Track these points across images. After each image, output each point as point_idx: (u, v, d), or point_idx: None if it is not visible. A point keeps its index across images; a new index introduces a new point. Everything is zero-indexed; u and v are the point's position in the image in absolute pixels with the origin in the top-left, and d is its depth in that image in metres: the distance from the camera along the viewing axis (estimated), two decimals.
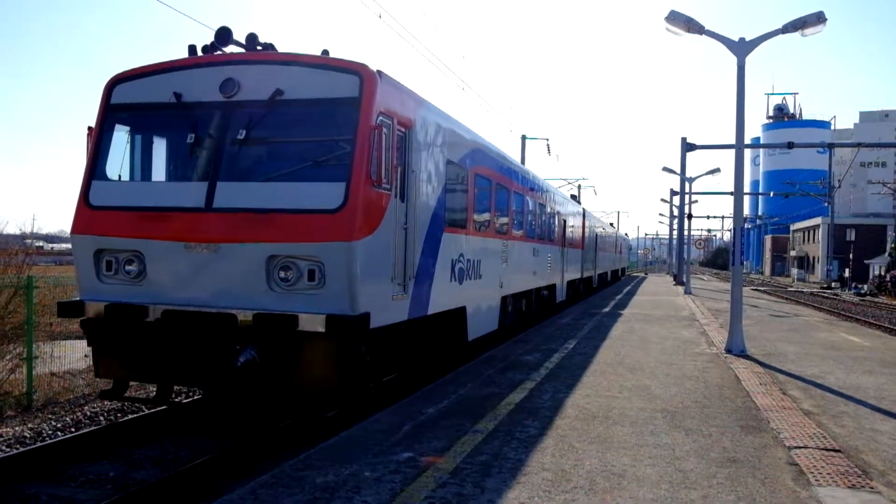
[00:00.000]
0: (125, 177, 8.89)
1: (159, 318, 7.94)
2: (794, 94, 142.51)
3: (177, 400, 10.39)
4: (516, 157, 24.03)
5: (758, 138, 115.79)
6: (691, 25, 13.90)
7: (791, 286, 63.87)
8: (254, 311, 7.63)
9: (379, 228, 8.08)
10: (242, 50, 8.77)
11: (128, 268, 8.25)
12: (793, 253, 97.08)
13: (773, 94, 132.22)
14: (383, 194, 8.20)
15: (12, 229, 15.80)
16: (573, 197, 34.20)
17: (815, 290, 56.59)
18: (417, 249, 9.32)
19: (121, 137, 8.89)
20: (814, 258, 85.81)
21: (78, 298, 8.48)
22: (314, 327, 7.47)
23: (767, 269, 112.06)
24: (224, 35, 8.59)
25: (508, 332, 15.69)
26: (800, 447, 6.89)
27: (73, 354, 13.74)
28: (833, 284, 61.90)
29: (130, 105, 8.75)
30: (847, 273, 63.92)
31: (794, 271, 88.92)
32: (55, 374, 12.81)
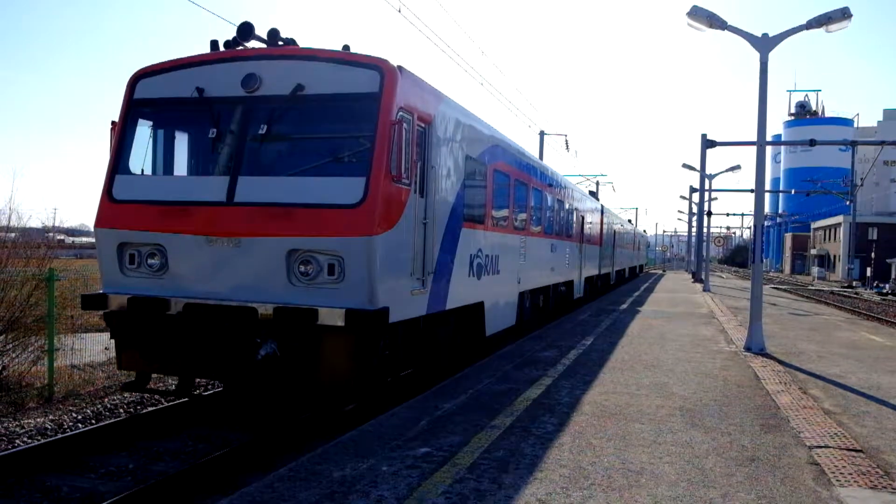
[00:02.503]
0: (148, 171, 8.94)
1: (181, 311, 8.01)
2: (817, 91, 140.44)
3: (196, 393, 10.46)
4: (535, 153, 23.92)
5: (779, 135, 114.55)
6: (713, 21, 13.75)
7: (811, 284, 63.18)
8: (274, 305, 7.67)
9: (398, 223, 8.10)
10: (264, 45, 8.79)
11: (150, 261, 8.31)
12: (813, 251, 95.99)
13: (795, 90, 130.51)
14: (403, 189, 8.21)
15: (35, 223, 16.00)
16: (591, 193, 33.98)
17: (835, 288, 55.93)
18: (436, 245, 9.33)
19: (143, 132, 8.96)
20: (835, 257, 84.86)
21: (101, 291, 8.57)
22: (334, 321, 7.50)
23: (787, 268, 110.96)
24: (246, 30, 8.62)
25: (524, 329, 15.64)
26: (820, 447, 6.82)
27: (94, 347, 13.90)
28: (854, 283, 61.19)
29: (153, 100, 8.80)
30: (868, 272, 63.16)
31: (815, 270, 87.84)
32: (76, 367, 12.96)
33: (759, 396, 9.15)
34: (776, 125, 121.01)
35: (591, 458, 6.28)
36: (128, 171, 8.79)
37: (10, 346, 11.80)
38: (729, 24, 13.82)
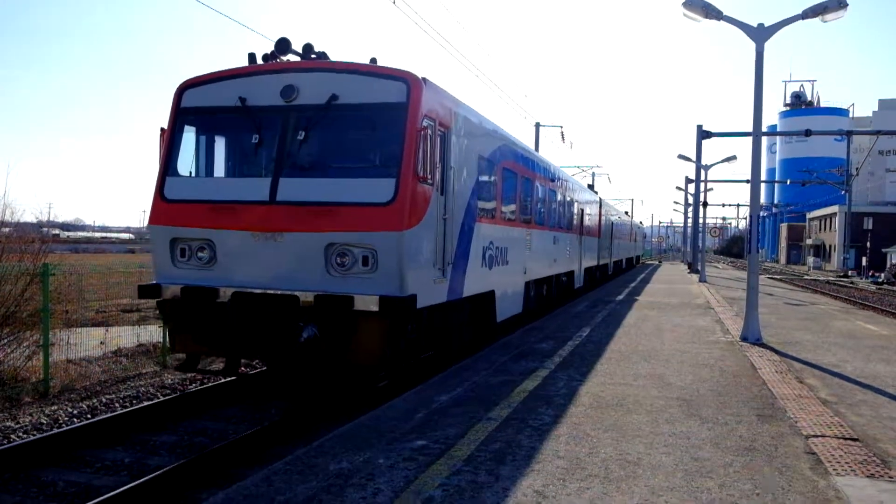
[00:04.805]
0: (195, 173, 9.74)
1: (229, 299, 8.72)
2: (812, 81, 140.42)
3: (242, 372, 11.20)
4: (531, 145, 24.03)
5: (774, 126, 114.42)
6: (709, 11, 13.70)
7: (807, 274, 63.26)
8: (314, 293, 8.41)
9: (423, 219, 8.91)
10: (299, 58, 9.60)
11: (200, 254, 9.07)
12: (809, 241, 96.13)
13: (790, 81, 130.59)
14: (427, 189, 8.98)
15: (29, 217, 15.90)
16: (589, 186, 34.09)
17: (831, 278, 56.02)
18: (454, 238, 10.11)
19: (190, 137, 9.75)
20: (830, 247, 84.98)
21: (154, 282, 9.28)
22: (368, 307, 8.26)
23: (783, 258, 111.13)
24: (283, 45, 9.45)
25: (522, 320, 15.65)
26: (817, 436, 6.82)
27: (89, 342, 13.85)
28: (849, 273, 61.29)
29: (199, 108, 9.58)
30: (864, 261, 63.26)
31: (810, 260, 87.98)
32: (71, 362, 12.91)
33: (755, 386, 9.16)
34: (772, 115, 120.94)
35: (587, 449, 6.27)
36: (177, 174, 9.53)
37: (6, 341, 11.75)
38: (724, 14, 13.77)
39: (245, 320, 8.72)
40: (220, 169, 9.94)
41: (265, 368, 11.26)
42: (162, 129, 9.60)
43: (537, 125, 43.65)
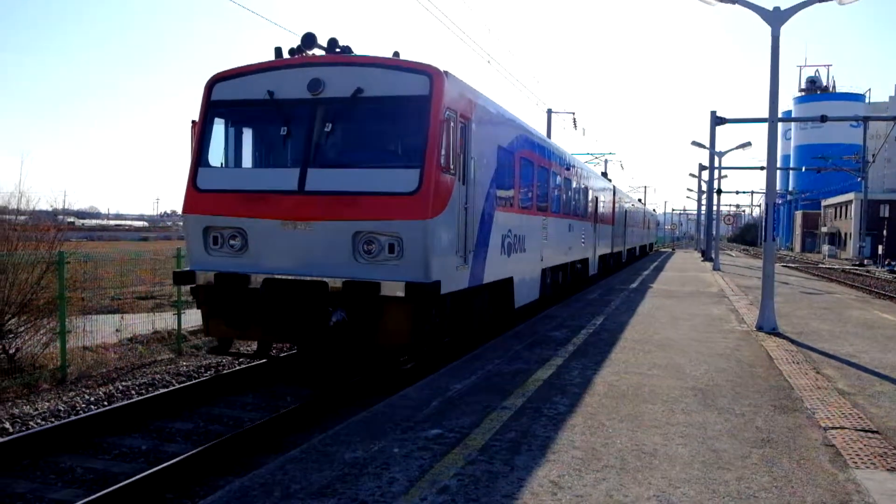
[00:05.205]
0: (225, 164, 10.07)
1: (261, 284, 9.01)
2: (828, 66, 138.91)
3: (273, 354, 11.47)
4: (543, 132, 23.97)
5: (789, 111, 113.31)
6: None
7: (822, 263, 62.79)
8: (342, 279, 8.73)
9: (447, 208, 9.16)
10: (324, 52, 9.83)
11: (232, 242, 9.37)
12: (824, 229, 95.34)
13: (805, 66, 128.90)
14: (450, 178, 9.23)
15: (44, 206, 15.98)
16: (602, 174, 34.01)
17: (846, 266, 55.56)
18: (475, 226, 10.38)
19: (220, 129, 10.03)
20: (845, 234, 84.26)
21: (188, 269, 9.62)
22: (395, 292, 8.57)
23: (798, 246, 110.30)
24: (309, 39, 9.74)
25: (535, 308, 15.61)
26: (835, 428, 6.76)
27: (105, 328, 13.96)
28: (865, 261, 60.75)
29: (229, 101, 9.85)
30: (880, 250, 62.68)
31: (825, 248, 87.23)
32: (87, 349, 13.01)
33: (772, 377, 9.09)
34: (787, 101, 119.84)
35: (603, 439, 6.24)
36: (208, 164, 9.82)
37: (23, 328, 11.84)
38: None
39: (276, 305, 9.03)
40: (249, 160, 10.27)
41: (282, 356, 11.39)
42: (193, 122, 9.90)
43: (549, 112, 43.33)
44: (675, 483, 5.22)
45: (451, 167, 9.17)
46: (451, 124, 9.10)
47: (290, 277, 8.96)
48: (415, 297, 8.61)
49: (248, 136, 10.27)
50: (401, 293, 8.55)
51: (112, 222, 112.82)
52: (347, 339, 9.01)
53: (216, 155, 9.97)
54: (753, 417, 7.09)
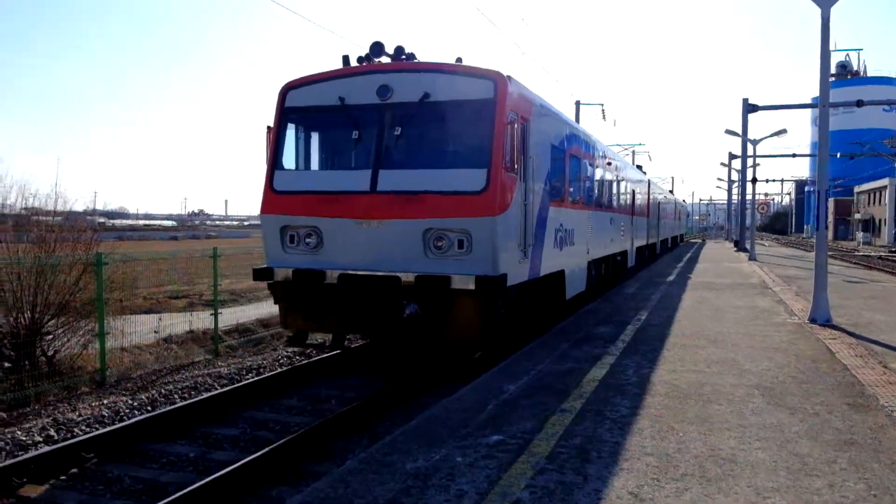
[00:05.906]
0: (300, 167, 10.59)
1: (336, 280, 9.43)
2: (858, 50, 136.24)
3: (347, 345, 11.81)
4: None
5: (817, 98, 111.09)
6: None
7: (857, 250, 61.40)
8: (415, 274, 9.10)
9: (510, 205, 9.53)
10: (390, 59, 10.31)
11: (307, 240, 9.86)
12: (857, 216, 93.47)
13: (835, 50, 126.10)
14: (513, 177, 9.63)
15: (78, 206, 15.96)
16: (637, 167, 33.67)
17: (883, 253, 54.24)
18: (533, 221, 10.74)
19: (294, 134, 10.53)
20: (880, 221, 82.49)
21: (266, 266, 10.08)
22: (465, 286, 8.98)
23: (830, 233, 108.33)
24: (377, 48, 10.19)
25: (573, 305, 15.27)
26: None
27: (141, 328, 13.85)
28: None
29: (302, 108, 10.36)
30: None
31: (860, 235, 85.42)
32: (125, 350, 12.91)
33: (837, 372, 8.66)
34: (815, 87, 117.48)
35: (675, 444, 5.89)
36: (283, 167, 10.33)
37: (61, 329, 11.76)
38: None
39: (351, 299, 9.46)
40: (322, 162, 10.77)
41: (338, 352, 11.47)
42: (268, 127, 10.37)
43: (577, 103, 42.84)
44: (764, 493, 4.86)
45: (514, 166, 9.55)
46: (514, 126, 9.46)
47: (364, 273, 9.33)
48: (484, 289, 8.98)
49: (320, 139, 10.75)
50: (471, 286, 8.92)
51: (141, 222, 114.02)
52: (419, 330, 9.33)
53: (290, 158, 10.47)
54: (829, 417, 6.69)
